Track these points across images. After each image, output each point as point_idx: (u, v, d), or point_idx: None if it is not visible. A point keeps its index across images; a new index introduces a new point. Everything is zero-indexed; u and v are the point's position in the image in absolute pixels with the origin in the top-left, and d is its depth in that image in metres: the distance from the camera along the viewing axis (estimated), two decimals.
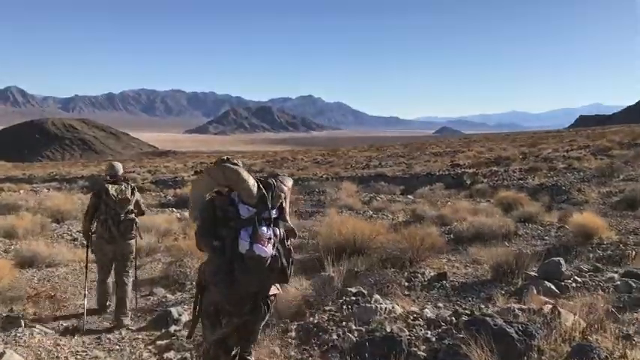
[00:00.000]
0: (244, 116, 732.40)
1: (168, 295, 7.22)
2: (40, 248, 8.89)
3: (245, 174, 3.16)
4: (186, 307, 6.62)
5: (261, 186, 3.18)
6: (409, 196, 18.31)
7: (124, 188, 6.35)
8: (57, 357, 4.85)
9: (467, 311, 5.29)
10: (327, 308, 5.65)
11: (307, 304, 5.75)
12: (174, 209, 18.07)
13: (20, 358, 4.41)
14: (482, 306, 5.80)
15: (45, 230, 12.39)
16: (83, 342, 5.49)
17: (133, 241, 6.53)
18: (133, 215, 6.45)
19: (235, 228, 3.07)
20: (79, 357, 4.97)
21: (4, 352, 4.44)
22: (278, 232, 3.17)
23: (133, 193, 6.45)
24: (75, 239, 11.69)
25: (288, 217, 3.37)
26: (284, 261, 3.16)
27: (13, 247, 10.01)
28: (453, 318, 5.12)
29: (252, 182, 3.14)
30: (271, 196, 3.18)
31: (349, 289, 6.14)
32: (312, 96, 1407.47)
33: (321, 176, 26.47)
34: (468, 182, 20.04)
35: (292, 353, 4.84)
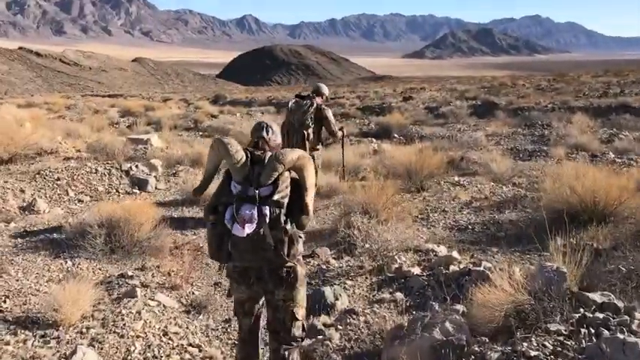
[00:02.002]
0: (463, 39, 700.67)
1: (331, 261, 5.63)
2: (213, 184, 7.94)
3: (233, 149, 3.01)
4: (348, 283, 4.98)
5: (247, 162, 3.00)
6: None
7: (303, 103, 6.99)
8: (154, 357, 3.56)
9: None
10: (552, 328, 3.50)
11: (519, 315, 3.66)
12: (373, 139, 16.61)
13: (96, 358, 3.15)
14: None
15: None
16: (206, 326, 4.19)
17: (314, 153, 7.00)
18: (308, 131, 6.95)
19: (225, 204, 2.97)
20: (185, 356, 3.63)
21: (75, 351, 3.25)
22: (267, 212, 2.89)
23: (307, 110, 6.94)
24: None
25: (307, 193, 3.03)
26: (271, 242, 2.89)
27: (193, 179, 9.36)
28: None
29: (238, 158, 2.99)
30: (258, 172, 2.97)
31: (589, 295, 3.86)
32: (539, 16, 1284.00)
33: (546, 106, 22.63)
34: None
35: None
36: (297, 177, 3.07)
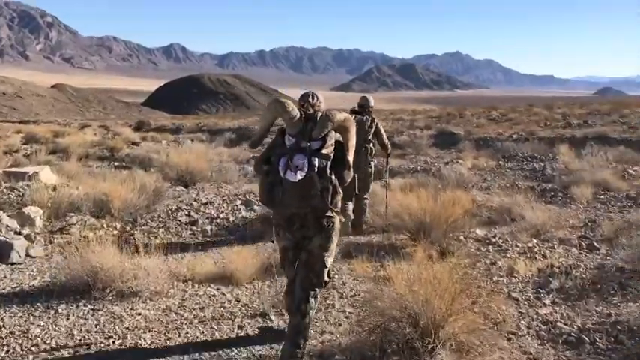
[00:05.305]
0: (388, 74, 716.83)
1: None
2: (109, 259, 4.52)
3: (290, 107, 3.40)
4: None
5: (301, 119, 3.39)
6: None
7: (364, 119, 6.87)
8: None
9: None
10: None
11: None
12: None
13: None
14: None
15: (158, 201, 8.39)
16: None
17: (368, 167, 7.06)
18: (370, 145, 6.99)
19: (279, 155, 3.35)
20: None
21: None
22: (316, 163, 3.28)
23: (371, 125, 6.93)
24: (193, 223, 7.53)
25: (349, 152, 3.48)
26: (318, 188, 3.26)
27: (94, 239, 5.91)
28: None
29: (294, 114, 3.37)
30: (311, 128, 3.35)
31: None
32: (460, 52, 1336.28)
33: (511, 136, 20.57)
34: None
35: None
36: (340, 139, 3.49)
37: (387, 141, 7.36)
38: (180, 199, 9.34)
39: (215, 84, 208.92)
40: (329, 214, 3.37)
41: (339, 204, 3.45)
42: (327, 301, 4.55)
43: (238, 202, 8.98)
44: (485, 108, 41.68)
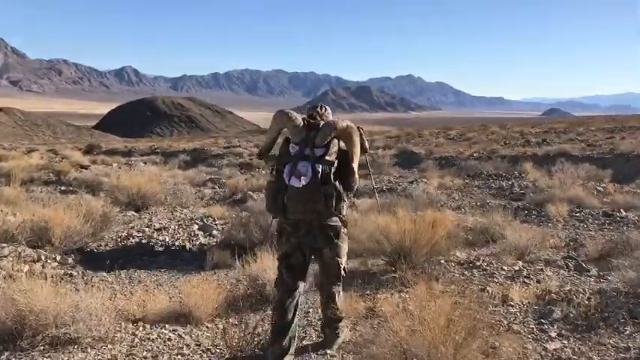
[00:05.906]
0: (343, 96, 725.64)
1: None
2: (40, 299, 3.75)
3: (293, 116, 3.53)
4: None
5: (305, 127, 3.50)
6: None
7: None
8: None
9: None
10: None
11: None
12: None
13: None
14: None
15: (107, 228, 7.59)
16: None
17: None
18: None
19: (284, 162, 3.44)
20: None
21: None
22: (319, 169, 3.34)
23: None
24: (145, 254, 6.76)
25: (354, 160, 3.51)
26: (322, 193, 3.31)
27: (30, 277, 5.07)
28: None
29: (297, 123, 3.50)
30: (314, 135, 3.43)
31: None
32: (412, 75, 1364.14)
33: (472, 155, 20.46)
34: None
35: None
36: (344, 147, 3.51)
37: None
38: (131, 224, 8.59)
39: (169, 107, 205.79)
40: (334, 222, 3.47)
41: (344, 210, 3.52)
42: (304, 342, 3.91)
43: (195, 227, 8.28)
44: (441, 128, 42.00)
